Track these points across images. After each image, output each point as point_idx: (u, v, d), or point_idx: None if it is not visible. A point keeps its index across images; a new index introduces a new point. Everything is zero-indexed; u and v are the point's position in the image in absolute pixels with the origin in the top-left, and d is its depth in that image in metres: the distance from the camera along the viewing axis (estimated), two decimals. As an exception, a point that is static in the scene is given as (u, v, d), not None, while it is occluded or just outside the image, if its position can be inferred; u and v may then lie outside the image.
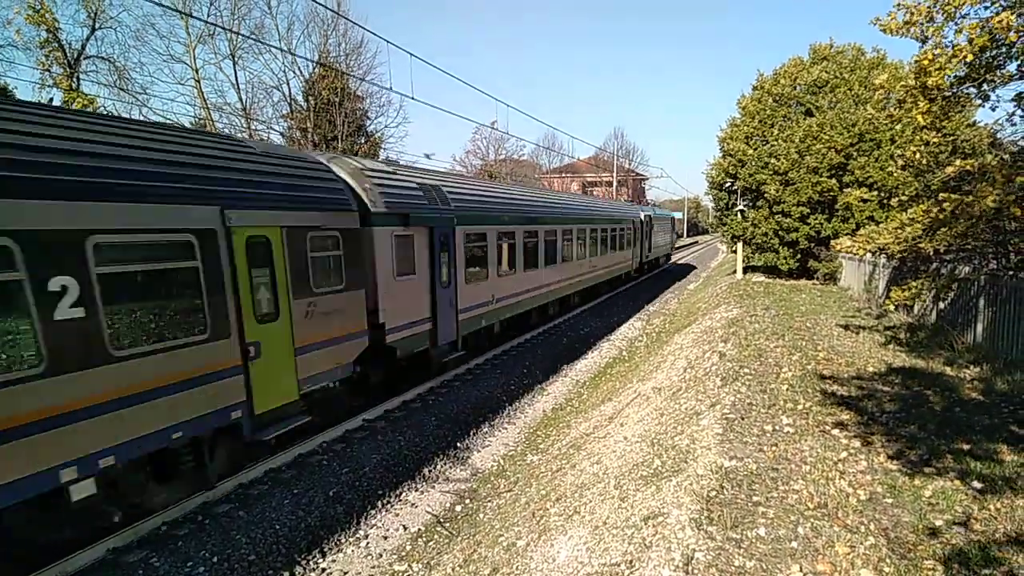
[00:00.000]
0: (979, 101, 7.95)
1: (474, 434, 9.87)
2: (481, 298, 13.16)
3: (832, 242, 18.96)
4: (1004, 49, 7.07)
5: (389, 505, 7.47)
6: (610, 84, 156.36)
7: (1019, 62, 7.30)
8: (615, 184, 53.22)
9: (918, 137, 10.30)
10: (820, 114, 20.08)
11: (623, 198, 56.16)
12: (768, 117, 21.49)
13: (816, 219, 20.05)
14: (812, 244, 20.82)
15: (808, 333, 11.58)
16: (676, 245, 54.95)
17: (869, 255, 15.30)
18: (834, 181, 19.12)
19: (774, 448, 5.97)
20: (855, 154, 18.75)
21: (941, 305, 11.39)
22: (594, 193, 48.52)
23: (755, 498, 4.91)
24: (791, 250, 21.35)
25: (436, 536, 6.83)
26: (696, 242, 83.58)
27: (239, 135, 26.84)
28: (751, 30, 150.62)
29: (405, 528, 7.01)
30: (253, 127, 30.12)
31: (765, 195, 20.90)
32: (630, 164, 70.63)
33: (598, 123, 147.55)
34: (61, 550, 5.60)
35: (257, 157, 7.55)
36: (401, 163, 18.51)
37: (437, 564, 6.16)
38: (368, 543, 6.64)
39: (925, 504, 4.75)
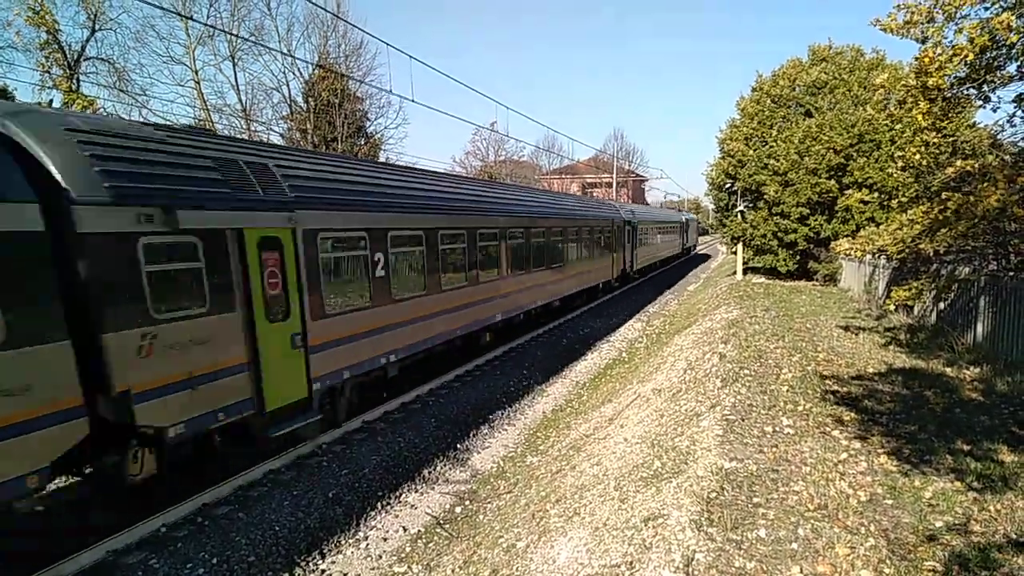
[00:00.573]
0: (979, 102, 7.97)
1: (474, 435, 9.86)
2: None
3: (832, 243, 19.01)
4: (1004, 50, 7.08)
5: (388, 507, 7.45)
6: (609, 85, 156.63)
7: (1019, 63, 7.31)
8: (615, 185, 53.24)
9: (918, 138, 10.29)
10: (819, 115, 20.09)
11: (623, 199, 56.14)
12: (767, 118, 21.51)
13: (815, 220, 20.06)
14: (811, 245, 20.83)
15: (808, 334, 11.57)
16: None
17: (869, 256, 15.32)
18: (833, 182, 19.13)
19: (774, 449, 5.96)
20: (855, 155, 18.76)
21: (941, 306, 11.39)
22: (594, 194, 48.31)
23: (755, 499, 4.90)
24: (790, 251, 21.36)
25: (436, 538, 6.82)
26: (696, 242, 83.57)
27: (239, 137, 26.91)
28: (751, 30, 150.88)
29: (405, 529, 6.99)
30: (253, 128, 30.15)
31: (764, 196, 20.91)
32: (630, 165, 70.67)
33: (597, 125, 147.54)
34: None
35: None
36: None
37: (437, 566, 6.15)
38: (368, 544, 6.63)
39: (925, 505, 4.75)
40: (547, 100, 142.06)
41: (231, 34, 27.60)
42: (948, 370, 8.77)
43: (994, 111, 7.86)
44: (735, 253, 25.30)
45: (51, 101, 23.11)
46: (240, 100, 30.30)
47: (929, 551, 4.07)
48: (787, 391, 7.86)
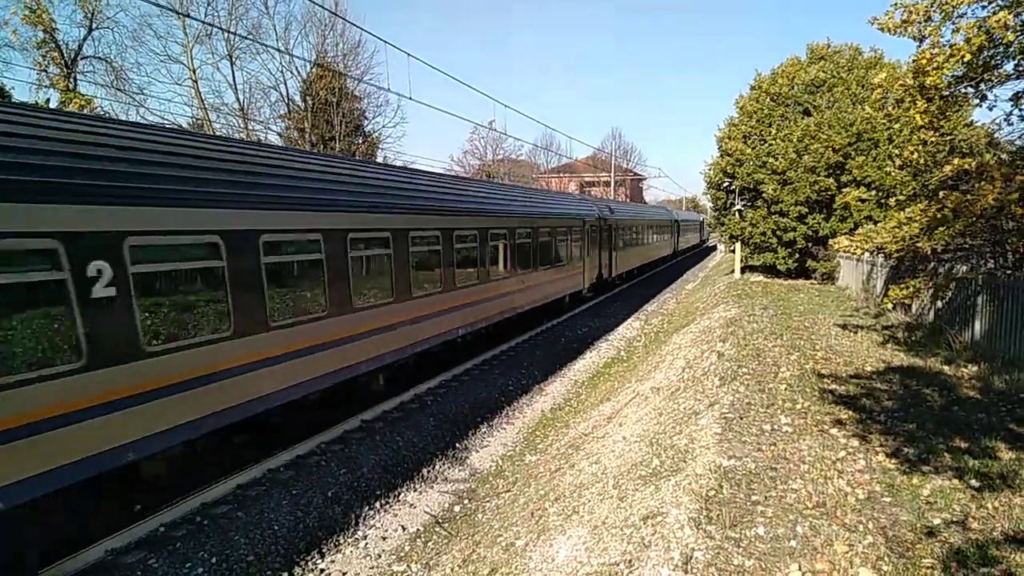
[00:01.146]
0: (977, 101, 7.96)
1: (472, 434, 9.86)
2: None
3: (830, 241, 19.03)
4: (1001, 49, 7.09)
5: (387, 506, 7.45)
6: (608, 86, 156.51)
7: (1016, 62, 7.32)
8: (613, 184, 53.21)
9: (916, 137, 10.30)
10: (818, 113, 20.11)
11: (621, 198, 56.13)
12: (766, 117, 21.52)
13: (814, 218, 20.09)
14: (810, 244, 20.86)
15: (806, 332, 11.59)
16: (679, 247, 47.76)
17: (867, 255, 15.35)
18: (832, 180, 19.15)
19: (772, 447, 5.97)
20: (853, 153, 18.78)
21: (939, 304, 11.40)
22: (592, 193, 48.13)
23: (754, 497, 4.91)
24: (789, 250, 21.38)
25: (435, 536, 6.82)
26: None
27: (237, 136, 26.86)
28: (750, 29, 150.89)
29: (404, 528, 7.00)
30: (251, 127, 30.10)
31: (763, 195, 20.93)
32: (628, 164, 70.68)
33: (596, 125, 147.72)
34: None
35: None
36: None
37: (436, 564, 6.15)
38: (367, 544, 6.63)
39: (923, 503, 4.76)
40: (546, 101, 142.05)
41: (229, 32, 27.56)
42: (946, 368, 8.79)
43: (990, 109, 7.85)
44: (733, 252, 25.31)
45: (48, 100, 23.07)
46: (238, 99, 30.32)
47: (927, 548, 4.09)
48: (785, 389, 7.87)
